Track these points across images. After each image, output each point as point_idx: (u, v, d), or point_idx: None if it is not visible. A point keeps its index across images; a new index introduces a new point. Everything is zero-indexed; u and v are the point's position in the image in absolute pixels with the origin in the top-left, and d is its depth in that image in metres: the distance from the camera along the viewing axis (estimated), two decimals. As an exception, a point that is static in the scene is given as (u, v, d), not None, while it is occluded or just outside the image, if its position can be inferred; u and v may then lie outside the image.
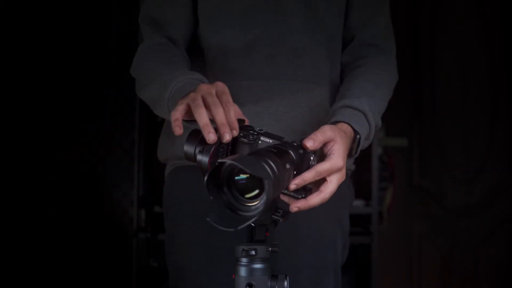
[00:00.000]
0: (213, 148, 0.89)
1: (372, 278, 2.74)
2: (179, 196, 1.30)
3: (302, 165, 0.90)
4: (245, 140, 0.92)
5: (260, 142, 0.92)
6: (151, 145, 3.01)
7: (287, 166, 0.85)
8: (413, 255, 3.26)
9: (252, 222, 0.92)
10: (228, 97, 0.95)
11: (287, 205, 0.93)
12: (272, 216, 0.91)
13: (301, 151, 0.90)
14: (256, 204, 0.80)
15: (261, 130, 0.93)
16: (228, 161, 0.74)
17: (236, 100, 1.21)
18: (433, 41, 3.28)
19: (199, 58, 1.31)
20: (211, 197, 0.79)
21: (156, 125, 2.98)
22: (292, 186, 0.91)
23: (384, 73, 1.28)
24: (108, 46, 2.95)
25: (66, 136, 2.91)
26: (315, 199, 0.95)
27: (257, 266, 0.88)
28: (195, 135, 0.92)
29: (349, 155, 1.09)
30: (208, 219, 0.78)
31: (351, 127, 1.09)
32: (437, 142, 3.24)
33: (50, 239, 2.86)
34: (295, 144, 0.91)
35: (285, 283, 0.88)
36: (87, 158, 2.92)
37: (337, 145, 0.98)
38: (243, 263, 0.88)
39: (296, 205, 0.93)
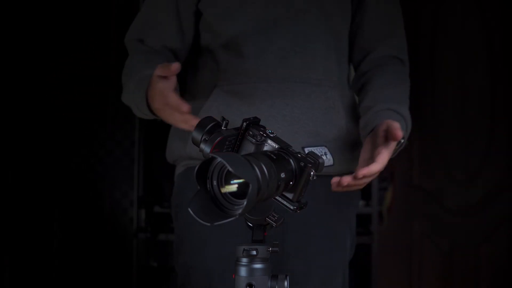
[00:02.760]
0: (218, 139, 0.90)
1: (372, 278, 2.74)
2: (191, 196, 1.30)
3: (301, 178, 0.89)
4: (253, 140, 0.92)
5: (266, 145, 0.92)
6: (151, 145, 3.02)
7: (282, 175, 0.84)
8: (413, 255, 3.26)
9: (250, 222, 0.92)
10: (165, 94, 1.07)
11: (285, 210, 0.93)
12: (266, 218, 0.91)
13: (302, 163, 0.89)
14: (240, 204, 0.79)
15: (272, 133, 0.93)
16: (218, 158, 0.74)
17: (251, 101, 1.23)
18: (433, 41, 3.28)
19: (211, 61, 1.31)
20: (198, 187, 0.79)
21: (156, 125, 2.99)
22: (360, 175, 1.05)
23: (405, 79, 1.35)
24: (109, 46, 2.95)
25: (66, 136, 2.91)
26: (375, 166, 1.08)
27: (257, 266, 0.87)
28: (206, 123, 0.93)
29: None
30: (189, 208, 0.78)
31: None
32: (437, 142, 3.24)
33: (50, 239, 2.87)
34: (299, 155, 0.90)
35: (285, 283, 0.88)
36: (87, 158, 2.92)
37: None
38: (243, 263, 0.88)
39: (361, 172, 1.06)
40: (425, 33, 3.28)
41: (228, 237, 1.17)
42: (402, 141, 1.16)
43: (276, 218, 0.90)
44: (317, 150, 1.25)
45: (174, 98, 1.05)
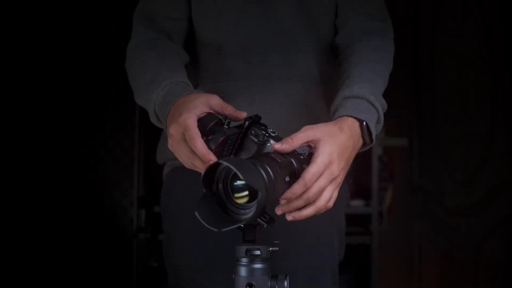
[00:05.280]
0: (221, 139, 0.90)
1: (372, 278, 2.74)
2: (178, 196, 1.30)
3: None
4: (255, 140, 0.92)
5: (268, 145, 0.92)
6: (151, 145, 3.01)
7: (287, 178, 0.84)
8: (413, 255, 3.26)
9: (241, 224, 0.92)
10: (189, 134, 0.94)
11: (275, 211, 0.93)
12: (258, 219, 0.90)
13: (305, 165, 0.89)
14: (246, 208, 0.79)
15: (273, 132, 0.93)
16: (225, 163, 0.74)
17: (232, 100, 1.22)
18: (433, 42, 3.28)
19: (193, 59, 1.31)
20: (204, 191, 0.79)
21: (156, 126, 2.99)
22: (283, 201, 0.90)
23: (381, 52, 1.23)
24: (109, 46, 2.95)
25: (66, 136, 2.91)
26: (309, 209, 0.94)
27: (258, 266, 0.88)
28: (207, 121, 0.94)
29: (364, 144, 1.06)
30: (196, 212, 0.78)
31: (355, 117, 1.04)
32: (437, 142, 3.24)
33: (50, 239, 2.86)
34: (301, 157, 0.90)
35: (285, 283, 0.88)
36: (87, 158, 2.91)
37: (321, 142, 0.94)
38: (243, 263, 0.88)
39: (291, 215, 0.94)
40: (425, 33, 3.28)
41: (217, 237, 1.17)
42: (365, 123, 1.05)
43: (267, 219, 0.90)
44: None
45: (202, 146, 0.92)
